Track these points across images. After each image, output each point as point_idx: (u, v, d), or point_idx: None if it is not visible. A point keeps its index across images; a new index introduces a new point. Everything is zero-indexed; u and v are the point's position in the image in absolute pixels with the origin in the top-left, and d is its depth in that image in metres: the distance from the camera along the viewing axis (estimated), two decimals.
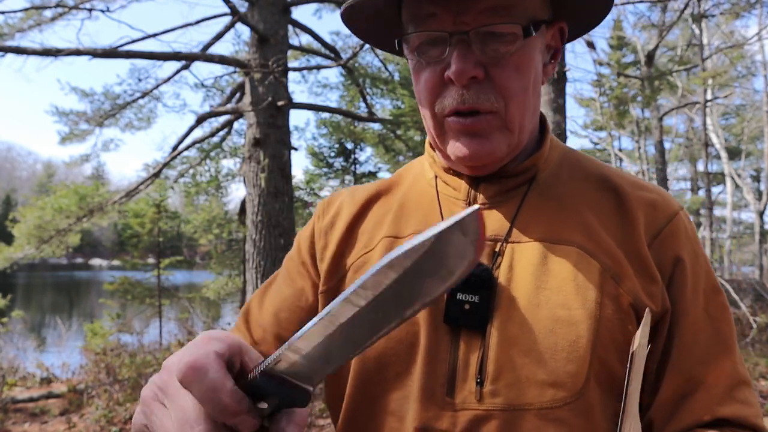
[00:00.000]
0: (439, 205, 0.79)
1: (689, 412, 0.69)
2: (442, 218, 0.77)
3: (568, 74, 5.94)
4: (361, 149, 16.39)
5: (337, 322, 0.44)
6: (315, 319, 0.45)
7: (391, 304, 0.43)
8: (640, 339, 0.66)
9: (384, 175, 17.04)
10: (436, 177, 0.83)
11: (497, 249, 0.73)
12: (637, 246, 0.72)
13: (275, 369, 0.47)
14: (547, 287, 0.70)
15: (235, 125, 9.80)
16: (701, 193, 21.89)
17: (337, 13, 10.19)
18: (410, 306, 0.43)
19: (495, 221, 0.75)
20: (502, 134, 0.71)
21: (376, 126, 11.30)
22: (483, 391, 0.67)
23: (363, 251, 0.80)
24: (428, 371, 0.69)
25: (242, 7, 7.93)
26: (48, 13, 8.17)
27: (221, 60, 7.95)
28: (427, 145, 0.86)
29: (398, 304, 0.43)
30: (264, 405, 0.48)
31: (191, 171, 10.58)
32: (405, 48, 0.74)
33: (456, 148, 0.72)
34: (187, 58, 7.92)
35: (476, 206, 0.39)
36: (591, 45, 7.70)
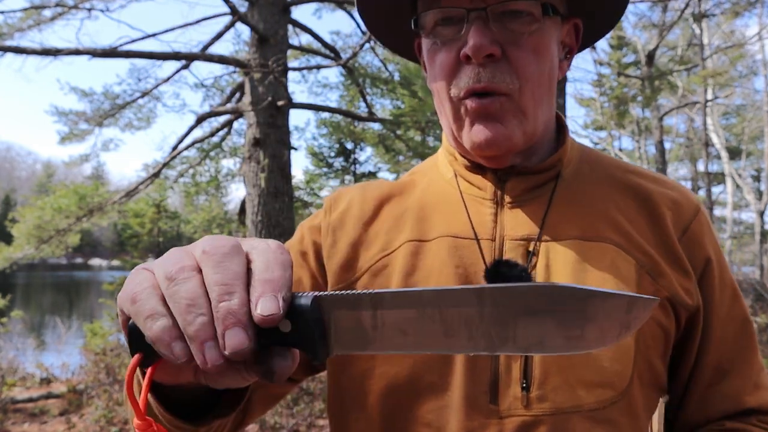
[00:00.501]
0: (465, 206, 0.76)
1: (718, 402, 0.72)
2: (470, 219, 0.75)
3: (568, 74, 5.92)
4: (361, 149, 16.42)
5: (443, 303, 0.38)
6: (420, 288, 0.39)
7: (503, 328, 0.37)
8: (658, 425, 0.67)
9: (384, 175, 17.05)
10: (456, 176, 0.80)
11: (531, 248, 0.71)
12: (669, 242, 0.72)
13: (334, 305, 0.41)
14: (587, 285, 0.69)
15: (235, 125, 9.81)
16: (701, 193, 21.85)
17: (337, 12, 10.19)
18: (513, 342, 0.37)
19: (525, 220, 0.73)
20: (516, 119, 0.70)
21: (376, 126, 11.29)
22: (530, 397, 0.65)
23: (382, 253, 0.77)
24: (469, 379, 0.67)
25: (242, 7, 7.92)
26: (47, 13, 8.17)
27: (221, 60, 7.95)
28: (444, 142, 0.84)
29: (508, 332, 0.37)
30: (287, 327, 0.42)
31: (191, 171, 10.58)
32: (420, 32, 0.73)
33: (473, 134, 0.70)
34: (186, 58, 7.92)
35: (656, 298, 0.38)
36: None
